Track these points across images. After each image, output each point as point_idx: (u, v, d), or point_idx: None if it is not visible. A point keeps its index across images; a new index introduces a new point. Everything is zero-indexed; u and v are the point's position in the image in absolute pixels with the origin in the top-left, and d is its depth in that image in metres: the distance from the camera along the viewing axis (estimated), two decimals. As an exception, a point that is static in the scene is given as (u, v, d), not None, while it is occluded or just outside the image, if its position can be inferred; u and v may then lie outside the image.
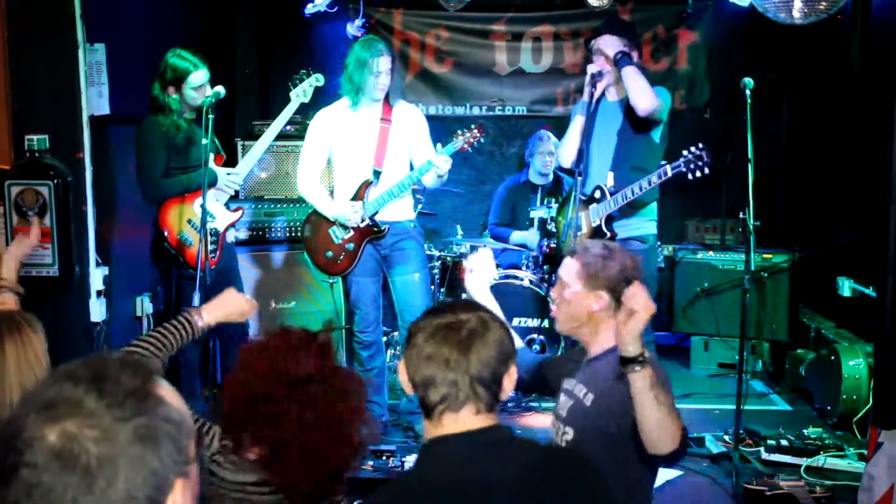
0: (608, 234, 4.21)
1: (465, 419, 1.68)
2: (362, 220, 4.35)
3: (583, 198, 4.27)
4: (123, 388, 0.97)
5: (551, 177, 5.90)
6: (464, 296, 3.09)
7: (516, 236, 5.77)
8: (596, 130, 4.29)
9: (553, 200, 5.64)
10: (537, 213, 5.58)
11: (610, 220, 4.23)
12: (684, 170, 3.94)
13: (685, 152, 3.96)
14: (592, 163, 4.27)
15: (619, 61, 4.15)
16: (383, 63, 4.26)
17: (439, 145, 4.41)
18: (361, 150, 4.37)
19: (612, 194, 4.19)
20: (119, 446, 0.93)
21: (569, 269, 2.52)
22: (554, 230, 5.36)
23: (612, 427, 2.24)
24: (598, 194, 4.25)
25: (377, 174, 4.38)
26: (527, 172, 6.00)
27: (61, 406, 0.94)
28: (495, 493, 1.62)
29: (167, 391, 1.02)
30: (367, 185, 4.37)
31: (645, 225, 4.35)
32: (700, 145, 3.92)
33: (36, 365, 2.24)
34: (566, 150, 4.39)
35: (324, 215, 4.43)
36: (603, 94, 4.34)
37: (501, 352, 1.70)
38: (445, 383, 1.66)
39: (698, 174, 3.93)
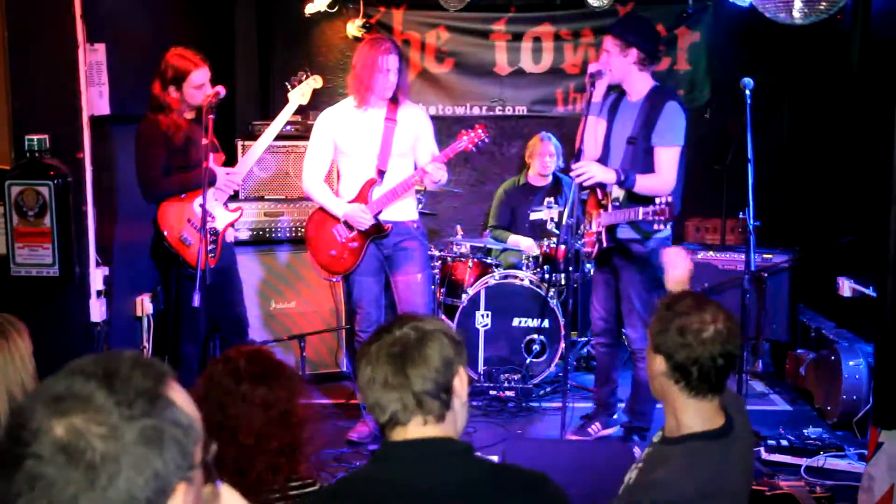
0: (605, 245, 4.20)
1: (413, 431, 1.67)
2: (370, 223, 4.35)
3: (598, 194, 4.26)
4: (134, 388, 0.96)
5: (551, 178, 5.90)
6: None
7: (513, 239, 5.77)
8: (615, 134, 4.23)
9: (553, 201, 5.64)
10: (537, 215, 5.58)
11: (612, 229, 4.21)
12: (650, 219, 3.84)
13: (655, 200, 3.83)
14: (609, 164, 4.22)
15: (624, 184, 4.06)
16: (392, 62, 4.26)
17: (432, 150, 4.41)
18: (366, 149, 4.37)
19: (615, 207, 4.15)
20: (124, 445, 0.92)
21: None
22: (555, 231, 5.36)
23: None
24: (605, 201, 4.23)
25: (381, 174, 4.38)
26: (526, 174, 6.01)
27: (70, 400, 0.93)
28: (440, 498, 1.62)
29: (179, 394, 1.02)
30: (371, 184, 4.37)
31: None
32: (668, 199, 3.77)
33: (22, 369, 2.24)
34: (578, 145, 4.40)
35: (329, 213, 4.42)
36: (623, 94, 4.26)
37: (443, 359, 1.66)
38: (391, 404, 1.65)
39: (662, 227, 3.86)
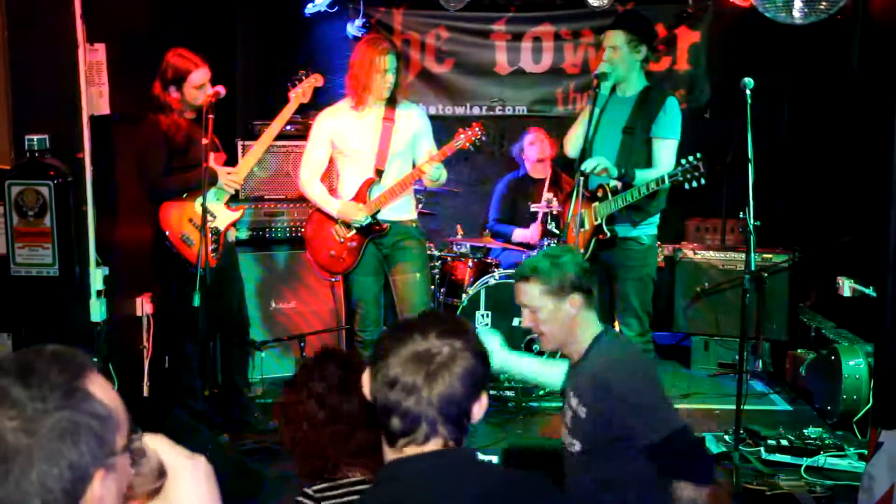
0: (608, 234, 4.20)
1: (429, 449, 1.60)
2: (365, 220, 4.35)
3: (587, 194, 4.26)
4: (50, 382, 0.99)
5: (550, 170, 5.89)
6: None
7: (518, 235, 5.76)
8: (603, 125, 4.28)
9: (552, 195, 5.63)
10: (539, 208, 5.55)
11: (612, 219, 4.22)
12: (681, 179, 3.92)
13: (683, 161, 3.93)
14: (595, 154, 4.24)
15: (624, 178, 4.11)
16: (389, 61, 4.26)
17: (430, 149, 4.41)
18: (364, 149, 4.37)
19: (613, 194, 4.18)
20: (37, 439, 0.96)
21: (530, 294, 2.62)
22: (555, 230, 5.36)
23: (612, 432, 2.45)
24: (600, 193, 4.24)
25: (380, 173, 4.38)
26: (524, 168, 6.00)
27: None
28: None
29: (98, 386, 1.04)
30: (369, 183, 4.37)
31: (644, 227, 4.33)
32: (698, 155, 3.89)
33: None
34: (570, 140, 4.41)
35: (327, 214, 4.42)
36: (614, 90, 4.32)
37: (471, 383, 1.59)
38: (409, 417, 1.55)
39: (694, 184, 3.91)
